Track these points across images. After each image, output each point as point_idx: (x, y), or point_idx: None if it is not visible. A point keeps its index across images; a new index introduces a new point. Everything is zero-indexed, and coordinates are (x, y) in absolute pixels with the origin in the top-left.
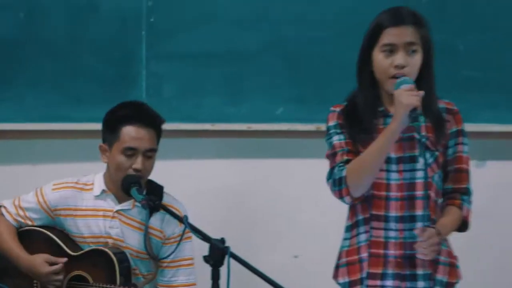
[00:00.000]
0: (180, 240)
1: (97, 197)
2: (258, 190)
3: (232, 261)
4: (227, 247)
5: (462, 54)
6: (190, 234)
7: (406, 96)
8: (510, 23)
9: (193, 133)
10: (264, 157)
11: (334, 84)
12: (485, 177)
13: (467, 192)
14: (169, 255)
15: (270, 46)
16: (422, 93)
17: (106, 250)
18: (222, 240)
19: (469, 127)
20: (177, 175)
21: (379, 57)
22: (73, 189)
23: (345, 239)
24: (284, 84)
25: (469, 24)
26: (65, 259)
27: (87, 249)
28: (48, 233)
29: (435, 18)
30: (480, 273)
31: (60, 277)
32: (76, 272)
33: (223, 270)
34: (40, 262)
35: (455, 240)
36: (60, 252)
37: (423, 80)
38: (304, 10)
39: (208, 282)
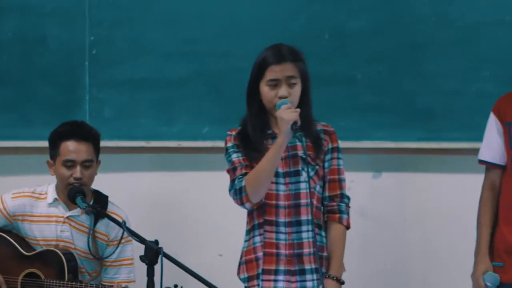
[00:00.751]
0: (120, 242)
1: (50, 204)
2: (187, 198)
3: (164, 260)
4: (160, 248)
5: (360, 82)
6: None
7: (287, 113)
8: (400, 55)
9: (131, 150)
10: (192, 170)
11: None
12: (381, 187)
13: (342, 197)
14: (112, 255)
15: (197, 74)
16: (299, 110)
17: (56, 250)
18: (156, 242)
19: (367, 144)
20: (117, 185)
21: (265, 90)
22: (30, 198)
23: (245, 241)
24: (209, 107)
25: (365, 57)
26: None
27: (39, 249)
28: (5, 235)
29: (337, 51)
30: (369, 268)
31: None
32: (29, 270)
33: (157, 268)
34: None
35: (351, 241)
36: (15, 252)
37: (302, 106)
38: (225, 44)
39: (144, 279)
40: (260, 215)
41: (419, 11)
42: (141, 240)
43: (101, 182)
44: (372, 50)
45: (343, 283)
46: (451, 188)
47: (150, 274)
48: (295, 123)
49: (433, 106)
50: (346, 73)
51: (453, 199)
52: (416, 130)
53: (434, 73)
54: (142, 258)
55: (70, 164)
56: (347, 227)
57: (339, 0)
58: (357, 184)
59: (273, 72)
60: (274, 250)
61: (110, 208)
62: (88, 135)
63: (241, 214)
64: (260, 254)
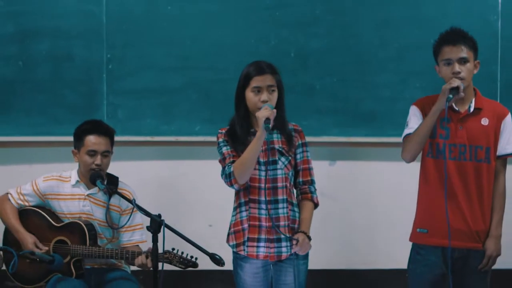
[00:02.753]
0: (132, 213)
1: (73, 185)
2: (183, 181)
3: (165, 229)
4: (163, 220)
5: (318, 91)
6: None
7: (261, 112)
8: (349, 69)
9: (139, 143)
10: (187, 159)
11: (233, 110)
12: (336, 172)
13: (312, 182)
14: (126, 223)
15: (191, 84)
16: (275, 111)
17: (80, 222)
18: (159, 215)
19: (324, 138)
20: (129, 171)
21: (250, 95)
22: (57, 180)
23: (232, 216)
24: (200, 110)
25: (322, 71)
26: (46, 249)
27: (66, 221)
28: (40, 211)
29: (300, 66)
30: (327, 235)
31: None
32: (59, 238)
33: (160, 235)
34: (31, 241)
35: (315, 219)
36: (48, 224)
37: (278, 109)
38: (211, 61)
39: (150, 244)
40: (245, 194)
41: (364, 34)
42: (147, 214)
43: (117, 168)
44: (327, 65)
45: (310, 238)
46: (390, 173)
47: (155, 240)
48: (267, 119)
49: (376, 109)
50: (308, 84)
51: (391, 181)
52: (362, 128)
53: (376, 83)
54: (148, 228)
55: (92, 153)
56: (317, 204)
57: (301, 26)
58: (317, 170)
59: (257, 81)
60: (257, 223)
61: (121, 186)
62: (106, 131)
63: (226, 193)
64: (246, 225)
